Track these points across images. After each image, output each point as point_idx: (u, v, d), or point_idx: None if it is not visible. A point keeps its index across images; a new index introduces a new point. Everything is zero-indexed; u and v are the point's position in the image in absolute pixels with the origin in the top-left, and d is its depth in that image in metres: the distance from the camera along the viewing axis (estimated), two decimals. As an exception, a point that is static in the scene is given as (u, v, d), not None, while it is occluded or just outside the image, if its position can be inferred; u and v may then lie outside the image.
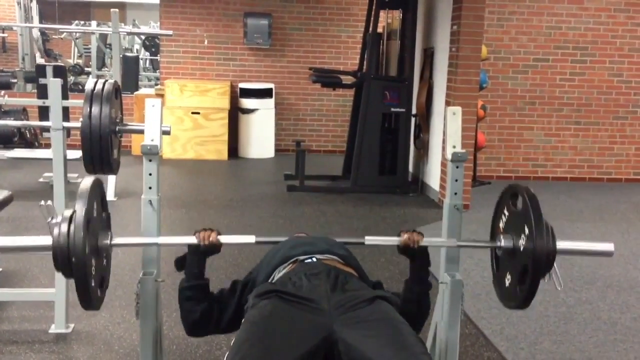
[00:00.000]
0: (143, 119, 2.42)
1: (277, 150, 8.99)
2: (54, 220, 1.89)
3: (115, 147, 2.76)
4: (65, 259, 1.84)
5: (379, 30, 7.08)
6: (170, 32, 7.73)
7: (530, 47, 7.59)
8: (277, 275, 2.11)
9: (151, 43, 11.89)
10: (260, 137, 8.79)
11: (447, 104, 6.11)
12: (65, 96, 5.02)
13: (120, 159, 2.87)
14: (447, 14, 6.22)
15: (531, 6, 7.53)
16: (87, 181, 1.96)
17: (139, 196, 2.40)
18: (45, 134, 6.95)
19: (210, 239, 2.17)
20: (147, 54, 12.26)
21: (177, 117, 8.29)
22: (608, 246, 2.15)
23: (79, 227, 1.82)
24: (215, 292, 2.28)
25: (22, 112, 7.56)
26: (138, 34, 11.44)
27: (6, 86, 7.59)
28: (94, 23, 11.50)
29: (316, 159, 8.33)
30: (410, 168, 7.28)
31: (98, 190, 2.02)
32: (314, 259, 2.11)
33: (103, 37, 11.01)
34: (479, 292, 3.94)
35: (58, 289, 3.20)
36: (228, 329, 2.27)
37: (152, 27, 11.48)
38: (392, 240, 2.23)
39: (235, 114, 8.73)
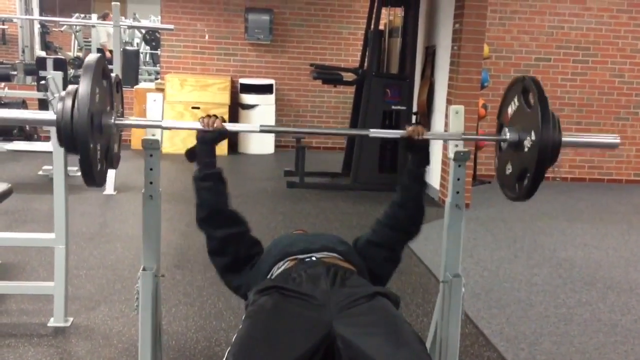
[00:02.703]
0: (143, 114, 2.41)
1: (277, 147, 8.97)
2: (56, 95, 1.87)
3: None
4: (69, 133, 1.81)
5: (381, 27, 7.06)
6: (172, 27, 7.72)
7: (532, 46, 7.58)
8: (276, 272, 2.11)
9: (151, 37, 11.87)
10: (260, 133, 8.76)
11: (448, 102, 6.10)
12: (65, 89, 5.00)
13: (120, 153, 2.85)
14: (449, 12, 6.20)
15: (533, 5, 7.51)
16: (93, 56, 1.93)
17: (138, 190, 2.39)
18: (45, 127, 6.93)
19: (215, 125, 2.19)
20: (147, 48, 12.25)
21: (177, 112, 8.26)
22: (613, 139, 2.15)
23: (83, 101, 1.79)
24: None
25: (22, 105, 7.55)
26: (139, 28, 11.43)
27: (6, 78, 7.57)
28: (94, 16, 11.47)
29: (316, 155, 8.31)
30: (411, 166, 7.25)
31: (104, 69, 1.99)
32: (314, 258, 2.10)
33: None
34: (478, 292, 3.93)
35: (57, 283, 3.18)
36: (226, 264, 2.32)
37: (153, 21, 11.47)
38: (397, 132, 2.28)
39: (236, 109, 8.72)
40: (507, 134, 2.16)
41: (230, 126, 2.25)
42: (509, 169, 2.19)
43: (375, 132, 2.26)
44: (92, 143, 1.83)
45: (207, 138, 2.22)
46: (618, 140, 2.14)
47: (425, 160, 2.30)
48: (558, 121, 2.00)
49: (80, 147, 1.81)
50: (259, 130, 2.26)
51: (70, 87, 1.85)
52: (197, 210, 2.28)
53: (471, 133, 2.43)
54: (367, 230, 2.40)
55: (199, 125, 2.20)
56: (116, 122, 2.07)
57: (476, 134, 6.33)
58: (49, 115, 1.86)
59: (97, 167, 1.91)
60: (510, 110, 2.18)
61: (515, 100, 2.14)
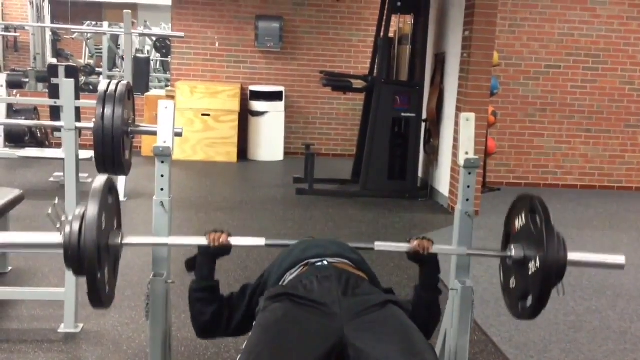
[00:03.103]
0: (153, 120, 2.43)
1: (286, 153, 8.99)
2: (63, 218, 1.89)
3: (127, 148, 2.77)
4: (76, 256, 1.84)
5: (391, 34, 7.08)
6: (182, 34, 7.77)
7: (542, 53, 7.57)
8: (288, 278, 2.11)
9: (162, 44, 11.94)
10: (270, 139, 8.80)
11: (458, 109, 6.10)
12: (77, 96, 5.03)
13: (131, 159, 2.87)
14: (459, 19, 6.21)
15: (543, 13, 7.51)
16: (100, 179, 1.97)
17: (148, 197, 2.40)
18: (57, 134, 6.98)
19: (221, 240, 2.17)
20: (158, 55, 12.31)
21: (187, 119, 8.30)
22: (619, 259, 2.13)
23: (91, 225, 1.82)
24: (225, 294, 2.28)
25: (33, 112, 7.61)
26: (149, 36, 11.49)
27: (18, 85, 7.64)
28: (105, 24, 11.55)
29: (325, 162, 8.32)
30: (420, 173, 7.26)
31: (110, 189, 2.02)
32: (325, 262, 2.10)
33: (114, 38, 11.06)
34: (488, 299, 3.92)
35: (68, 289, 3.20)
36: (237, 331, 2.27)
37: (164, 29, 11.53)
38: (402, 246, 2.23)
39: (245, 116, 8.75)
40: (513, 251, 2.13)
41: (236, 240, 2.21)
42: (513, 286, 2.18)
43: (380, 246, 2.25)
44: (99, 268, 1.87)
45: (210, 252, 2.21)
46: (624, 262, 2.13)
47: (435, 271, 2.25)
48: (564, 241, 2.00)
49: (87, 272, 1.85)
50: (264, 245, 2.25)
51: (78, 211, 1.88)
52: (193, 323, 2.27)
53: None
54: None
55: (204, 241, 2.19)
56: (123, 242, 2.09)
57: (485, 141, 6.33)
58: (56, 239, 1.89)
59: (105, 291, 1.94)
60: (517, 224, 2.18)
61: (522, 216, 2.14)
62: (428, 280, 2.25)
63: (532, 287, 2.02)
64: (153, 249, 2.35)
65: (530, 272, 2.04)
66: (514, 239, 2.18)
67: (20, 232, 2.18)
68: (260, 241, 2.24)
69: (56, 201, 1.97)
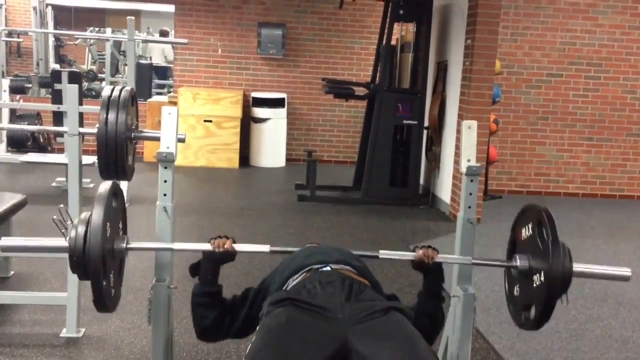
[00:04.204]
0: (156, 126, 2.44)
1: (288, 160, 9.00)
2: (68, 223, 1.90)
3: (130, 153, 2.78)
4: (81, 261, 1.85)
5: (393, 42, 7.09)
6: (185, 41, 7.77)
7: (544, 62, 7.59)
8: (292, 283, 2.11)
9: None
10: (272, 146, 8.81)
11: (460, 117, 6.11)
12: (80, 102, 5.04)
13: (134, 165, 2.88)
14: (461, 27, 6.23)
15: (545, 22, 7.52)
16: (105, 185, 1.98)
17: (151, 202, 2.41)
18: (59, 139, 6.99)
19: (225, 246, 2.18)
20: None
21: (190, 125, 8.32)
22: (625, 271, 2.14)
23: (96, 230, 1.83)
24: (227, 298, 2.29)
25: (36, 117, 7.61)
26: (152, 42, 11.51)
27: (21, 91, 7.65)
28: (108, 30, 11.57)
29: (327, 169, 8.33)
30: (422, 180, 7.27)
31: (115, 193, 2.03)
32: (329, 268, 2.11)
33: (117, 44, 11.07)
34: (489, 307, 3.92)
35: (70, 293, 3.21)
36: (238, 335, 2.28)
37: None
38: (407, 255, 2.24)
39: (247, 122, 8.76)
40: (518, 261, 2.14)
41: (240, 247, 2.23)
42: (518, 296, 2.19)
43: (384, 255, 2.26)
44: (104, 272, 1.89)
45: (215, 257, 2.22)
46: (629, 274, 2.13)
47: (439, 279, 2.27)
48: (569, 252, 2.01)
49: (92, 277, 1.86)
50: (269, 251, 2.26)
51: (84, 216, 1.90)
52: (195, 326, 2.28)
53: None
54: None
55: (208, 247, 2.21)
56: (128, 247, 2.10)
57: (487, 149, 6.34)
58: (62, 243, 1.90)
59: (110, 295, 1.96)
60: (523, 234, 2.18)
61: (528, 226, 2.14)
62: (432, 289, 2.26)
63: (537, 298, 2.02)
64: (156, 254, 2.36)
65: (535, 283, 2.04)
66: (519, 249, 2.18)
67: (26, 237, 2.18)
68: (265, 248, 2.25)
69: (61, 206, 1.98)
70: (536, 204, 2.15)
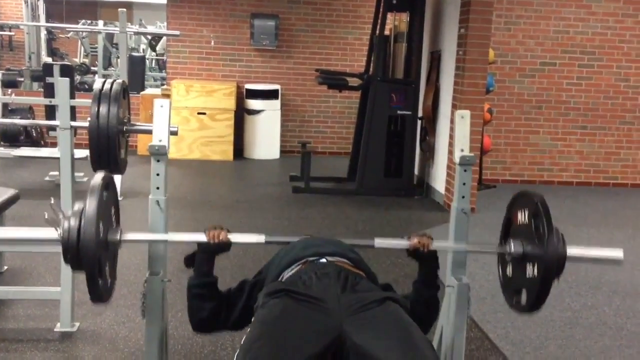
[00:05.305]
0: (149, 119, 2.43)
1: (282, 152, 8.98)
2: (61, 217, 1.89)
3: (123, 146, 2.77)
4: (75, 252, 1.83)
5: (386, 32, 7.07)
6: (178, 33, 7.75)
7: (538, 50, 7.58)
8: (287, 275, 2.11)
9: (157, 43, 11.90)
10: (266, 138, 8.79)
11: (454, 107, 6.11)
12: (72, 95, 5.02)
13: (127, 158, 2.87)
14: (454, 17, 6.22)
15: (539, 10, 7.51)
16: (98, 176, 1.96)
17: (145, 196, 2.40)
18: (52, 133, 6.97)
19: (220, 237, 2.18)
20: (153, 54, 12.28)
21: (183, 117, 8.30)
22: (617, 253, 2.14)
23: (90, 221, 1.82)
24: (223, 290, 2.28)
25: (29, 111, 7.58)
26: (145, 34, 11.46)
27: (13, 85, 7.61)
28: (100, 22, 11.51)
29: (322, 160, 8.33)
30: (416, 171, 7.27)
31: (109, 185, 2.02)
32: (324, 260, 2.11)
33: (109, 37, 11.02)
34: (484, 296, 3.93)
35: (64, 288, 3.20)
36: (234, 327, 2.27)
37: (159, 27, 11.50)
38: (402, 243, 2.23)
39: (241, 114, 8.74)
40: (512, 246, 2.13)
41: (235, 237, 2.21)
42: (512, 280, 2.19)
43: (379, 243, 2.25)
44: (98, 264, 1.87)
45: (210, 248, 2.21)
46: (622, 256, 2.13)
47: (434, 267, 2.26)
48: (562, 236, 2.01)
49: (86, 268, 1.84)
50: (264, 242, 2.24)
51: (77, 207, 1.88)
52: (190, 318, 2.26)
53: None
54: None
55: (204, 238, 2.19)
56: (122, 238, 2.09)
57: (481, 138, 6.34)
58: (55, 234, 1.89)
59: (104, 286, 1.95)
60: (516, 220, 2.17)
61: (522, 212, 2.13)
62: (427, 277, 2.26)
63: (532, 281, 2.03)
64: (149, 247, 2.35)
65: (529, 267, 2.04)
66: (513, 234, 2.18)
67: (19, 228, 2.17)
68: (260, 238, 2.24)
69: (52, 201, 1.97)
70: (529, 190, 2.15)
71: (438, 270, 2.27)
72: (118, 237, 2.07)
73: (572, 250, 2.02)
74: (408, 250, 2.22)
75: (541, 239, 1.97)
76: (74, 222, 1.84)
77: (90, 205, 1.85)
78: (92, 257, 1.83)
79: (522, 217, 2.14)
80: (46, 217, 1.90)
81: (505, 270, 2.25)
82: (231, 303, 2.24)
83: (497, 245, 2.26)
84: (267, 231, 5.25)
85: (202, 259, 2.24)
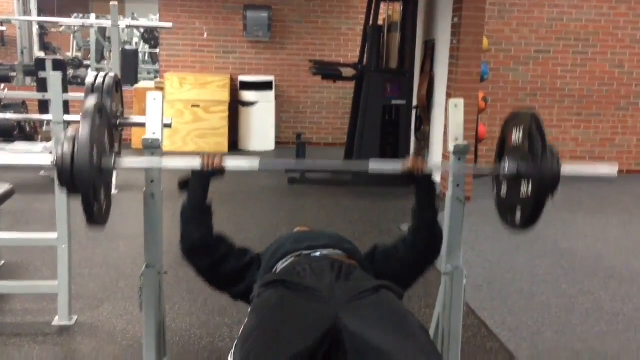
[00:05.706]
0: (143, 112, 2.41)
1: (277, 143, 8.96)
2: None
3: (116, 140, 2.77)
4: (69, 175, 1.83)
5: (380, 22, 7.06)
6: (170, 25, 7.71)
7: (532, 38, 7.58)
8: (281, 266, 2.12)
9: (150, 36, 11.86)
10: (261, 129, 8.77)
11: (448, 96, 6.10)
12: (65, 90, 5.00)
13: (121, 152, 2.87)
14: (448, 6, 6.20)
15: (532, -3, 7.51)
16: (90, 100, 1.94)
17: (139, 189, 2.40)
18: (46, 127, 6.94)
19: (215, 162, 2.18)
20: (147, 46, 12.24)
21: (177, 110, 8.27)
22: (611, 169, 2.16)
23: (83, 144, 1.81)
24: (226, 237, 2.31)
25: (22, 106, 7.56)
26: (137, 27, 11.42)
27: (5, 80, 7.58)
28: (92, 16, 11.46)
29: (317, 151, 8.32)
30: (411, 160, 7.26)
31: (101, 110, 1.99)
32: (318, 253, 2.11)
33: (102, 30, 10.98)
34: (480, 283, 3.94)
35: (61, 281, 3.20)
36: (220, 281, 2.28)
37: (152, 20, 11.45)
38: (396, 167, 2.25)
39: (236, 106, 8.72)
40: (507, 164, 2.12)
41: (230, 163, 2.22)
42: (507, 200, 2.18)
43: (374, 168, 2.24)
44: (93, 187, 1.86)
45: (205, 173, 2.21)
46: (615, 172, 2.15)
47: (431, 189, 2.27)
48: (557, 154, 2.02)
49: (81, 190, 1.83)
50: (257, 168, 2.24)
51: (70, 132, 1.87)
52: (182, 241, 2.26)
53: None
54: (390, 242, 2.35)
55: (199, 162, 2.18)
56: (115, 162, 2.07)
57: (476, 127, 6.34)
58: (48, 159, 1.88)
59: (102, 208, 1.94)
60: (510, 140, 2.17)
61: (515, 132, 2.13)
62: (425, 200, 2.28)
63: (528, 198, 2.03)
64: (145, 240, 2.35)
65: (524, 185, 2.04)
66: (508, 153, 2.18)
67: (16, 154, 2.16)
68: (254, 163, 2.23)
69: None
70: (522, 110, 2.14)
71: (436, 192, 2.30)
72: (112, 162, 2.05)
73: (566, 167, 2.03)
74: (403, 174, 2.22)
75: (535, 157, 1.97)
76: (67, 146, 1.83)
77: (84, 131, 1.83)
78: (86, 179, 1.82)
79: (516, 136, 2.13)
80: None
81: (500, 191, 2.24)
82: (228, 253, 2.26)
83: (492, 166, 2.26)
84: (263, 222, 5.26)
85: (196, 182, 2.24)
